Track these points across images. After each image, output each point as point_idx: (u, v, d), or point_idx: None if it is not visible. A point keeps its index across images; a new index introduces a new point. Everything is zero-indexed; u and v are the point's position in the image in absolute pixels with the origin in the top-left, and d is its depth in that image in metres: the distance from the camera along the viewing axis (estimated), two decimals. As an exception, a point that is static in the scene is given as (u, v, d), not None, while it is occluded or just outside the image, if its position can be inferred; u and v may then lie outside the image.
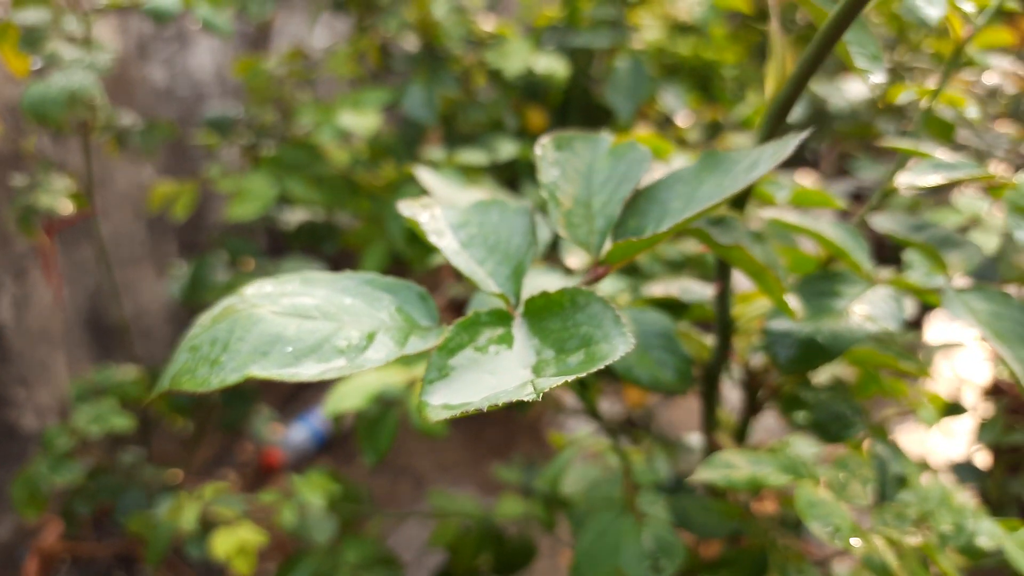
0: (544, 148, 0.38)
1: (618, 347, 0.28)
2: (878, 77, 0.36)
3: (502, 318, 0.31)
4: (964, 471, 0.92)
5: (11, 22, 0.91)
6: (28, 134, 1.12)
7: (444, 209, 0.36)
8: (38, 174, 1.03)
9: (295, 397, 1.74)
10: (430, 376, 0.28)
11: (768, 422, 1.24)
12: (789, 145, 0.33)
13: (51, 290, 1.24)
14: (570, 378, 0.26)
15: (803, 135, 0.33)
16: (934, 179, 0.46)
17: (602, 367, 0.27)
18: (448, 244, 0.34)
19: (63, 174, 1.04)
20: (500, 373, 0.29)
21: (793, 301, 0.45)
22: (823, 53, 0.36)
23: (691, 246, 0.92)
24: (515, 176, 1.15)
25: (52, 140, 1.19)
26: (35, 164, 1.05)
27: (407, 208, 0.35)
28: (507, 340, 0.30)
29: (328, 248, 1.22)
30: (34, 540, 1.15)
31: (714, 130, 1.34)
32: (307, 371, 0.28)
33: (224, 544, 0.79)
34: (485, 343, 0.30)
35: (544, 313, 0.31)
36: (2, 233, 1.15)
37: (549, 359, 0.29)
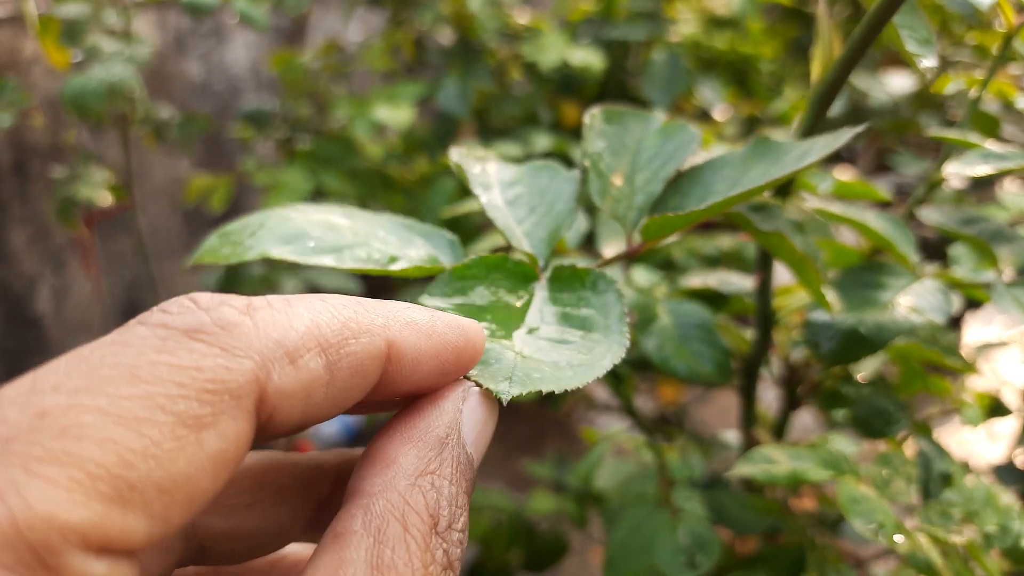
0: (593, 118, 0.37)
1: (612, 346, 0.26)
2: (929, 61, 0.35)
3: (527, 275, 0.31)
4: (1006, 473, 0.90)
5: (53, 15, 0.92)
6: (68, 127, 1.13)
7: (499, 165, 0.36)
8: (78, 166, 1.04)
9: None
10: (433, 289, 0.28)
11: (805, 420, 1.22)
12: (842, 137, 0.32)
13: (90, 281, 1.26)
14: (544, 388, 0.26)
15: (858, 128, 0.32)
16: (984, 169, 0.44)
17: (581, 384, 0.26)
18: (491, 198, 0.34)
19: (102, 166, 1.05)
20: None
21: (830, 293, 0.44)
22: (872, 35, 0.35)
23: (727, 241, 0.91)
24: (549, 170, 1.14)
25: (91, 133, 1.21)
26: (75, 156, 1.06)
27: (458, 155, 0.35)
28: (525, 297, 0.30)
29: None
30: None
31: (751, 124, 1.32)
32: (322, 260, 0.29)
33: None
34: (501, 286, 0.30)
35: (564, 284, 0.31)
36: (42, 225, 1.16)
37: (550, 325, 0.29)
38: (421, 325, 0.22)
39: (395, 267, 0.29)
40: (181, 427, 0.15)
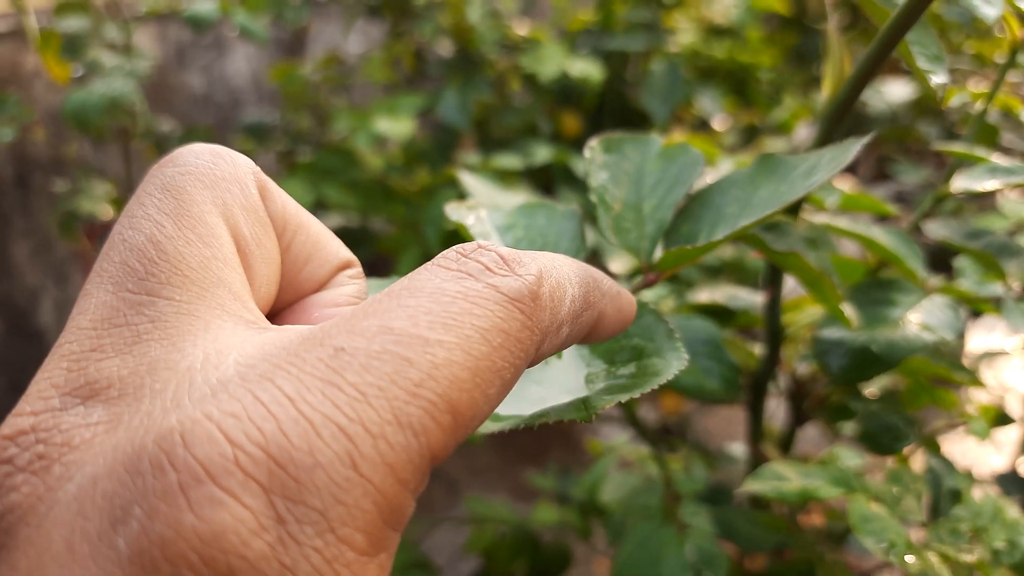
0: (592, 151, 0.37)
1: (671, 363, 0.27)
2: (940, 78, 0.35)
3: None
4: (1009, 482, 0.90)
5: (53, 30, 0.92)
6: (69, 140, 1.13)
7: (490, 211, 0.35)
8: (79, 180, 1.04)
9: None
10: None
11: (810, 433, 1.22)
12: (849, 151, 0.31)
13: (90, 294, 1.25)
14: (623, 398, 0.25)
15: (864, 140, 0.32)
16: (992, 183, 0.44)
17: (656, 386, 0.26)
18: None
19: (104, 180, 1.05)
20: (547, 383, 0.28)
21: (849, 309, 0.44)
22: (884, 53, 0.35)
23: (727, 251, 0.91)
24: (550, 181, 1.14)
25: (93, 146, 1.21)
26: (76, 170, 1.06)
27: (454, 212, 0.35)
28: None
29: (363, 253, 1.22)
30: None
31: (751, 134, 1.32)
32: None
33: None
34: None
35: None
36: (44, 238, 1.16)
37: (599, 371, 0.29)
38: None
39: None
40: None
